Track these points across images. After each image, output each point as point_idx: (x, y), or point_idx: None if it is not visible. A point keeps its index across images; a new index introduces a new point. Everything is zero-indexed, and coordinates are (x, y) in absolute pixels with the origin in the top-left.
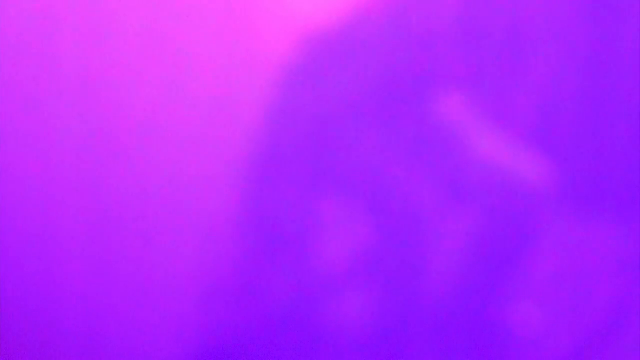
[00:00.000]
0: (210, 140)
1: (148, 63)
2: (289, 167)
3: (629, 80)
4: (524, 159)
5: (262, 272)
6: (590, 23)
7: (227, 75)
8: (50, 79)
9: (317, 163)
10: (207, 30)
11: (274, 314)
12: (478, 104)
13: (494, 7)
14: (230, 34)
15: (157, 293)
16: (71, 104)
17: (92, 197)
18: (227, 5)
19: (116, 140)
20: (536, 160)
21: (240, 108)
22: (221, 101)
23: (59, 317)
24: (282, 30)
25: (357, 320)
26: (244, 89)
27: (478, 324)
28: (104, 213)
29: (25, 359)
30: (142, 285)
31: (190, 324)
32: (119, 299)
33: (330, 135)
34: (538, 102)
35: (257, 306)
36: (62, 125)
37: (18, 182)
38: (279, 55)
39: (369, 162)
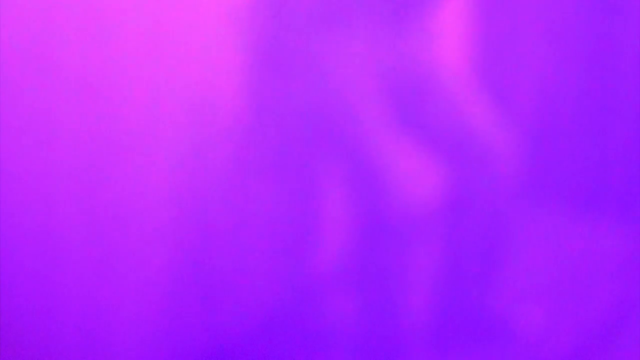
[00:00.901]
0: (203, 135)
1: (141, 62)
2: (285, 156)
3: (627, 82)
4: (518, 149)
5: (260, 271)
6: (588, 26)
7: (216, 70)
8: (42, 77)
9: (313, 150)
10: (200, 28)
11: (272, 313)
12: (479, 88)
13: None
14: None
15: (154, 293)
16: (67, 104)
17: (91, 198)
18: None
19: (114, 140)
20: (532, 154)
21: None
22: (207, 93)
23: (57, 316)
24: None
25: (349, 319)
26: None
27: (467, 318)
28: (102, 214)
29: (25, 359)
30: (141, 284)
31: (188, 322)
32: (118, 299)
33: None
34: (537, 92)
35: (255, 305)
36: (58, 124)
37: (18, 183)
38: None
39: (361, 144)
